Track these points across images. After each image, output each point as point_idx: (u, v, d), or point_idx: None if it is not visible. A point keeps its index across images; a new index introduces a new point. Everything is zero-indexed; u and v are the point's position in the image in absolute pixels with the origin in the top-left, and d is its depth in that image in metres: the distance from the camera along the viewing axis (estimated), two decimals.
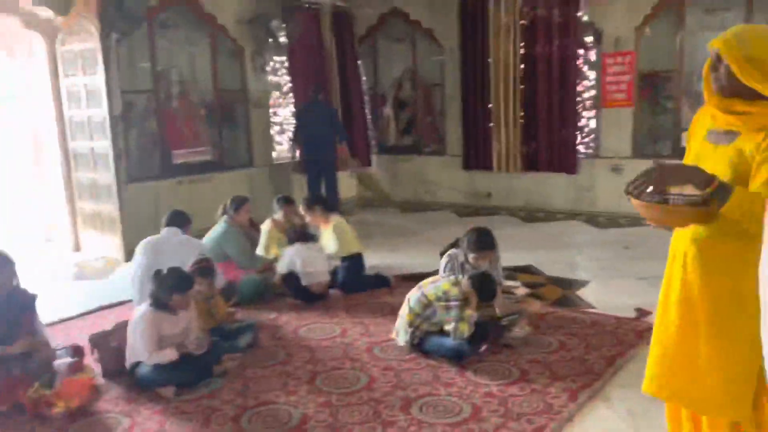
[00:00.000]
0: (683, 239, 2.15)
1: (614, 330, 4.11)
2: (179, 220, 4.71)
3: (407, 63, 9.20)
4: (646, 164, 2.10)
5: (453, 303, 3.69)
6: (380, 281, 5.31)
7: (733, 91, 2.00)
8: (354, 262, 5.30)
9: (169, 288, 3.56)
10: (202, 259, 4.26)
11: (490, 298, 3.85)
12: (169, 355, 3.52)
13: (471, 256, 4.14)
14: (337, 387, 3.48)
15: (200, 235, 5.11)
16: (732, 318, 2.05)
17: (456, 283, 3.78)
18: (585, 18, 7.51)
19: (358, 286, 5.18)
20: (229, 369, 3.72)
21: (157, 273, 3.62)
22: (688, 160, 2.19)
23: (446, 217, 8.21)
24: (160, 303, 3.57)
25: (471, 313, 3.71)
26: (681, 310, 2.16)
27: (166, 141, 7.20)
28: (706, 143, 2.12)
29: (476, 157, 8.44)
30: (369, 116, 9.47)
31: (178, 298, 3.57)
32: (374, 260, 5.77)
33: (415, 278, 5.37)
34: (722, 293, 2.05)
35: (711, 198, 1.88)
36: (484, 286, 3.76)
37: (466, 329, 3.66)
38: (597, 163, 7.71)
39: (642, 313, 4.38)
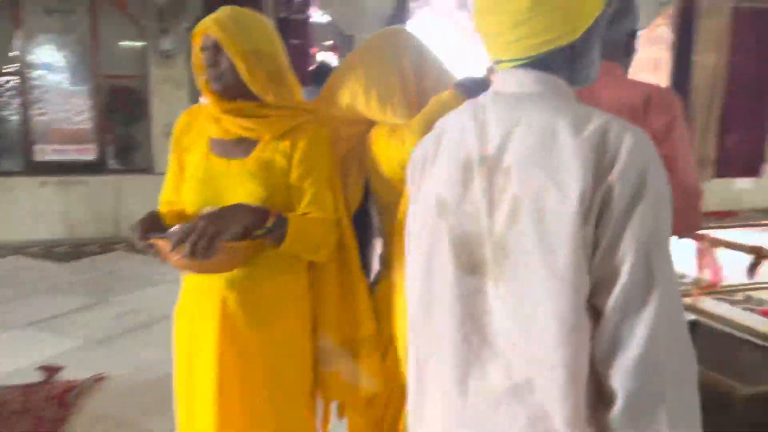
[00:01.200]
0: (212, 287, 1.66)
1: (25, 407, 3.15)
2: None
3: None
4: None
5: None
6: None
7: (242, 90, 1.63)
8: None
9: None
10: None
11: None
12: None
13: None
14: None
15: None
16: (286, 362, 1.73)
17: None
18: None
19: None
20: None
21: None
22: (187, 184, 1.70)
23: None
24: None
25: None
26: (223, 368, 1.66)
27: None
28: (213, 158, 1.68)
29: None
30: None
31: None
32: None
33: None
34: (274, 337, 1.70)
35: (269, 235, 1.54)
36: None
37: None
38: None
39: (50, 372, 3.58)
